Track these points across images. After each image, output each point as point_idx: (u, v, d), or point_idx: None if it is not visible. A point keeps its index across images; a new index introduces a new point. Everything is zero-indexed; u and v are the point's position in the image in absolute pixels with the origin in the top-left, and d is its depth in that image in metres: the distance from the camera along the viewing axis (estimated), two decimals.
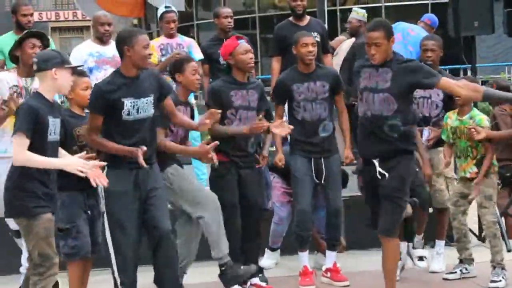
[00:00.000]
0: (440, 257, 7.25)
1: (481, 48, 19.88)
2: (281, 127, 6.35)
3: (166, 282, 5.72)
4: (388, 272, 6.01)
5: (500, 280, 6.59)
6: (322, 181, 6.82)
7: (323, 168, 6.80)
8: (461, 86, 5.79)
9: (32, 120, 5.09)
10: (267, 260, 7.44)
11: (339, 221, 6.89)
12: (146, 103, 5.62)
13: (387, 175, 5.83)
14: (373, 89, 5.86)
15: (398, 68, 5.82)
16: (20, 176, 5.15)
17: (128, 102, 5.55)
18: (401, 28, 9.34)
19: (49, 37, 8.20)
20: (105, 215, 5.66)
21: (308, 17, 8.57)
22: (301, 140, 6.80)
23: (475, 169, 6.79)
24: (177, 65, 6.35)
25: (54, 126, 5.24)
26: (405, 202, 6.00)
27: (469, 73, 10.19)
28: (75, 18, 36.36)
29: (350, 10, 9.21)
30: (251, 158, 6.60)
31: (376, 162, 5.87)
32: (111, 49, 8.05)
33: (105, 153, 5.64)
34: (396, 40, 8.48)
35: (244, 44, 6.54)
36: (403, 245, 6.84)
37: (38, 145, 5.12)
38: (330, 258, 6.98)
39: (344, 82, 7.22)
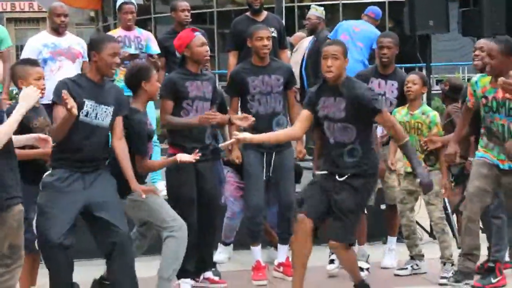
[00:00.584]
0: (392, 253, 7.31)
1: (437, 47, 20.10)
2: (244, 120, 6.39)
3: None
4: (350, 271, 6.11)
5: (450, 276, 6.67)
6: (273, 175, 6.84)
7: (276, 162, 6.84)
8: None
9: None
10: (220, 254, 7.44)
11: (291, 215, 6.83)
12: (105, 111, 5.58)
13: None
14: (332, 119, 5.83)
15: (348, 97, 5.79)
16: None
17: (88, 104, 5.51)
18: (345, 28, 9.42)
19: (4, 27, 8.14)
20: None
21: (265, 13, 8.58)
22: (254, 134, 6.79)
23: (422, 164, 6.86)
24: (143, 73, 6.08)
25: None
26: (358, 217, 5.99)
27: (423, 71, 10.26)
28: (31, 9, 35.97)
29: (308, 7, 9.22)
30: (207, 150, 6.57)
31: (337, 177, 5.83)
32: (66, 41, 8.02)
33: (53, 155, 5.55)
34: (344, 39, 8.59)
35: (200, 37, 6.53)
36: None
37: None
38: (283, 252, 6.99)
39: (310, 76, 7.25)
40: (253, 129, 6.58)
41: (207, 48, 6.57)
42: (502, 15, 8.80)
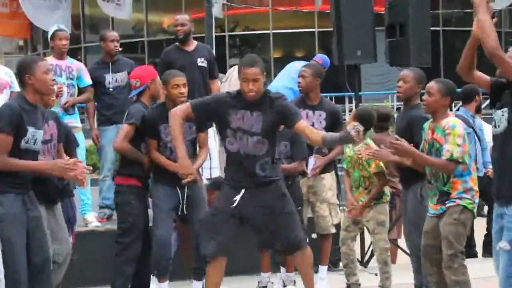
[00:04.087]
0: (323, 282, 7.34)
1: (368, 76, 20.36)
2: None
3: None
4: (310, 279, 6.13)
5: None
6: (186, 210, 6.73)
7: (188, 195, 6.70)
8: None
9: None
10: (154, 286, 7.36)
11: None
12: (40, 136, 5.60)
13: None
14: (247, 132, 5.90)
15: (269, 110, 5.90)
16: None
17: (31, 130, 5.49)
18: (291, 65, 9.61)
19: None
20: None
21: (195, 42, 8.60)
22: (163, 170, 6.68)
23: (367, 198, 6.94)
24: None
25: None
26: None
27: (353, 100, 10.40)
28: None
29: (239, 36, 9.22)
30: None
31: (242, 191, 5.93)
32: None
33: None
34: (282, 72, 8.80)
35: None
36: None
37: None
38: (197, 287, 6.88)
39: None
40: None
41: None
42: (428, 45, 8.97)
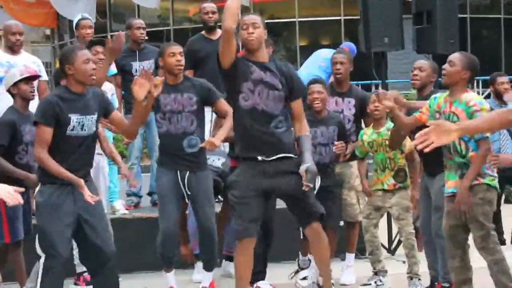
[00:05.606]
0: (350, 270, 7.34)
1: (395, 64, 20.26)
2: None
3: None
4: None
5: None
6: (190, 197, 6.60)
7: (192, 184, 6.54)
8: None
9: None
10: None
11: (213, 240, 6.67)
12: (91, 121, 5.63)
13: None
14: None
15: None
16: None
17: (74, 118, 5.53)
18: (316, 54, 9.60)
19: None
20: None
21: (220, 31, 8.59)
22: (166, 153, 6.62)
23: (392, 181, 6.91)
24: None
25: None
26: None
27: (380, 88, 10.34)
28: None
29: (266, 24, 9.31)
30: None
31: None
32: (22, 59, 7.93)
33: (41, 169, 5.60)
34: (309, 60, 8.86)
35: None
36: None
37: None
38: (207, 278, 6.83)
39: None
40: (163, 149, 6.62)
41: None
42: (455, 33, 8.90)
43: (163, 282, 6.84)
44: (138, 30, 8.67)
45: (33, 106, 6.36)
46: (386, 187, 6.93)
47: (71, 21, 8.84)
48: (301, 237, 6.69)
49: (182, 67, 6.59)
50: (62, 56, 5.70)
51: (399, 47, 8.95)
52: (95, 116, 5.66)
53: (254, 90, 5.76)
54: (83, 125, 5.58)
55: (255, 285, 6.72)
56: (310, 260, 7.10)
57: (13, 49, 7.98)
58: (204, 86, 6.66)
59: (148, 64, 8.56)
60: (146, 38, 8.78)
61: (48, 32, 28.34)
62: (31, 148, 6.24)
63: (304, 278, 7.13)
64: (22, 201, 4.89)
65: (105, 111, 5.76)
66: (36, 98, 6.97)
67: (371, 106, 6.94)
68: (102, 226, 5.69)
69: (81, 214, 5.58)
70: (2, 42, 8.91)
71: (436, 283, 6.58)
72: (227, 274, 7.39)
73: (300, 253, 7.26)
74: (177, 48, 6.58)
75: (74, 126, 5.54)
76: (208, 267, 6.80)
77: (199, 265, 7.11)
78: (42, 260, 5.55)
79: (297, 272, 7.27)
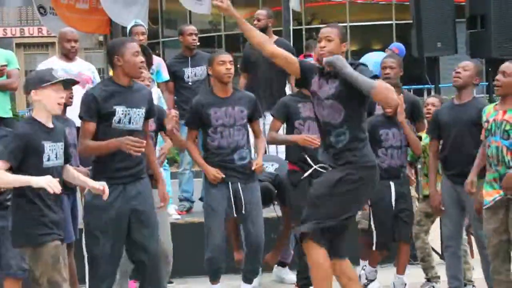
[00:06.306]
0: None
1: (446, 69, 20.09)
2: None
3: None
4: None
5: None
6: (239, 211, 6.51)
7: (243, 196, 6.47)
8: None
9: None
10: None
11: (259, 256, 6.62)
12: (138, 114, 5.53)
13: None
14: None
15: None
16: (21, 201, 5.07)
17: (120, 110, 5.45)
18: (366, 58, 9.59)
19: (13, 52, 8.17)
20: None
21: (275, 37, 8.62)
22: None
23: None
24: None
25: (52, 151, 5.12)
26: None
27: (432, 93, 10.28)
28: (40, 34, 36.09)
29: (316, 29, 9.25)
30: None
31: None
32: (76, 66, 8.03)
33: (95, 167, 5.58)
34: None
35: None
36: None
37: (32, 170, 5.00)
38: None
39: None
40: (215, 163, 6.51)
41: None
42: (510, 37, 8.79)
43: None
44: (190, 36, 8.72)
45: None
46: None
47: (124, 28, 8.90)
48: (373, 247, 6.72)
49: (232, 76, 6.52)
50: (111, 48, 5.59)
51: (452, 52, 8.88)
52: (142, 111, 5.54)
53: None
54: (130, 118, 5.47)
55: None
56: (377, 271, 7.08)
57: (68, 56, 8.07)
58: (253, 101, 6.64)
59: (200, 70, 8.60)
60: (198, 44, 8.82)
61: (101, 38, 28.63)
62: (74, 150, 6.01)
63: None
64: (59, 191, 4.90)
65: (149, 110, 5.64)
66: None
67: (425, 108, 6.91)
68: (148, 223, 5.57)
69: (131, 211, 5.51)
70: (57, 49, 9.03)
71: None
72: (279, 279, 7.40)
73: (367, 263, 7.16)
74: (227, 57, 6.53)
75: (120, 119, 5.43)
76: (248, 280, 6.74)
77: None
78: (86, 260, 5.58)
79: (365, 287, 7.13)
